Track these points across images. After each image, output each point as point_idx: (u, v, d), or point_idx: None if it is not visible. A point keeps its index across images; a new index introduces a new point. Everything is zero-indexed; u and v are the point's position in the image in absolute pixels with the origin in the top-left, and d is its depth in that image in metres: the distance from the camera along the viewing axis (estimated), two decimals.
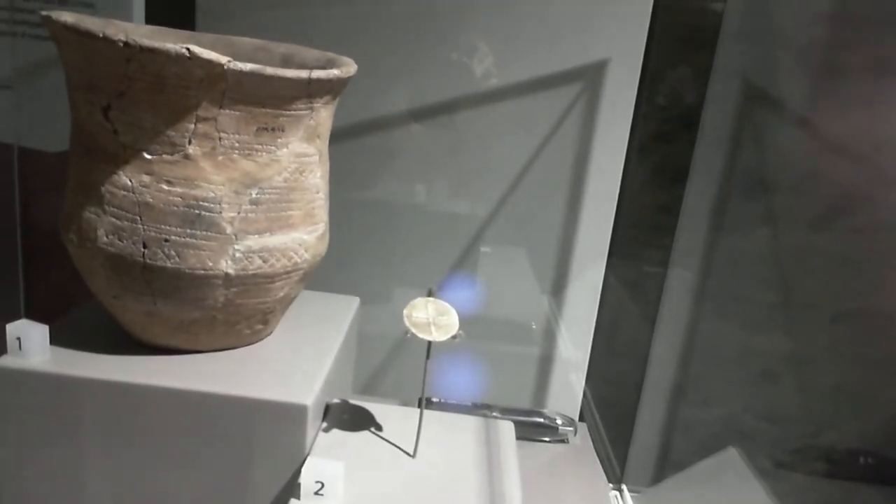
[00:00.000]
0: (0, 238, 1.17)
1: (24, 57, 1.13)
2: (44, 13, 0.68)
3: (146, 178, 0.68)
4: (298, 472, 0.66)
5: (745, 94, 1.15)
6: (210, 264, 0.70)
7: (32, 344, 0.72)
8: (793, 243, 1.18)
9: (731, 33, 1.13)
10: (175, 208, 0.68)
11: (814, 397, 1.19)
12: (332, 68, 0.74)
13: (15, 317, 0.74)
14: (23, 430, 0.72)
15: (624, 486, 1.21)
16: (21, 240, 1.17)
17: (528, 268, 1.23)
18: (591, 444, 1.15)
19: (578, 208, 1.20)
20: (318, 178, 0.77)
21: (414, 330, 0.69)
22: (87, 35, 0.64)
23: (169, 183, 0.68)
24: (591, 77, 1.15)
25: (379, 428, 0.79)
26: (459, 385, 1.19)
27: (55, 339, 0.74)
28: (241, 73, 0.65)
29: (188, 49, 0.63)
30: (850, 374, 1.17)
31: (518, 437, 0.85)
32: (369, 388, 1.27)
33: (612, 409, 1.28)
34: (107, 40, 0.63)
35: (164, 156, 0.67)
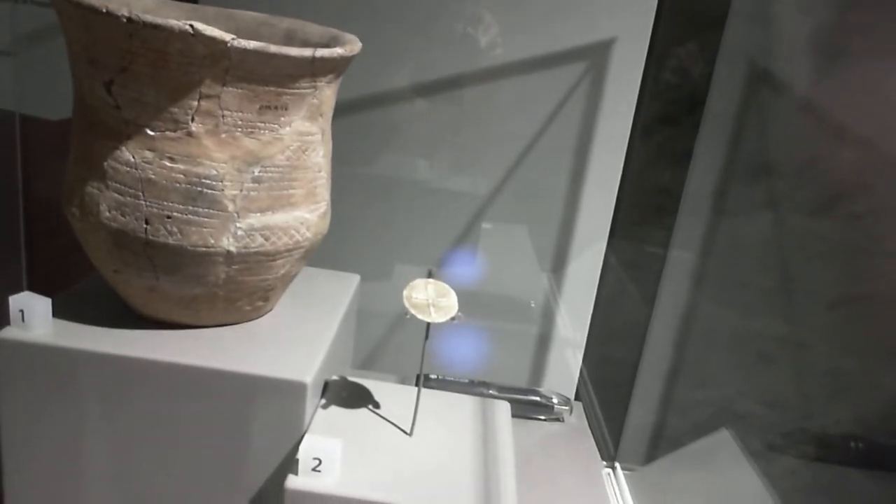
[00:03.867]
0: (2, 208, 1.17)
1: (25, 24, 1.12)
2: None
3: (149, 155, 0.68)
4: (296, 448, 0.67)
5: (751, 77, 1.14)
6: (212, 241, 0.70)
7: (35, 316, 0.72)
8: (793, 228, 1.18)
9: (738, 14, 1.11)
10: (177, 185, 0.68)
11: (809, 382, 1.20)
12: (335, 46, 0.74)
13: (18, 289, 0.75)
14: (25, 401, 0.73)
15: (617, 465, 1.23)
16: (24, 209, 1.17)
17: (529, 246, 1.24)
18: (586, 422, 1.17)
19: (581, 187, 1.19)
20: (320, 157, 0.77)
21: (413, 311, 0.70)
22: (90, 9, 0.64)
23: (171, 160, 0.68)
24: (596, 56, 1.14)
25: (377, 406, 0.80)
26: (457, 361, 1.20)
27: (58, 312, 0.75)
28: (244, 50, 0.65)
29: (192, 26, 0.63)
30: (845, 360, 1.18)
31: (514, 415, 0.87)
32: (368, 363, 1.28)
33: (607, 389, 1.29)
34: (109, 15, 0.63)
35: (167, 132, 0.67)
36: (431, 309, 0.70)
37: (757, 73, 1.13)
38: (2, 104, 1.15)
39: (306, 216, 0.76)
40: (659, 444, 1.26)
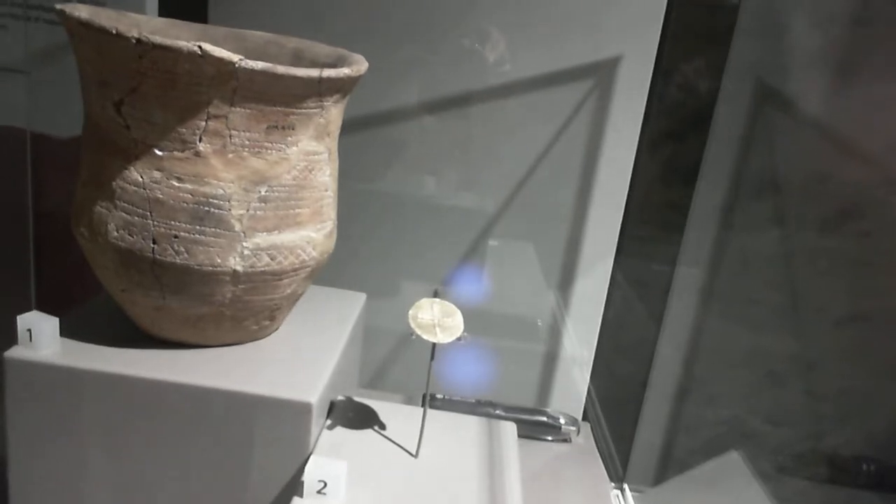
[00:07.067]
0: (12, 226, 1.17)
1: (38, 42, 1.13)
2: (58, 7, 0.68)
3: (157, 175, 0.68)
4: (302, 469, 0.67)
5: (758, 94, 1.14)
6: (219, 261, 0.70)
7: (43, 336, 0.72)
8: (801, 245, 1.17)
9: (745, 31, 1.12)
10: (185, 205, 0.68)
11: (819, 401, 1.19)
12: (342, 65, 0.74)
13: (26, 308, 0.75)
14: (32, 420, 0.73)
15: (626, 486, 1.22)
16: (33, 227, 1.18)
17: (536, 263, 1.23)
18: (593, 443, 1.16)
19: (587, 205, 1.19)
20: (326, 176, 0.77)
21: (419, 331, 0.70)
22: (101, 31, 0.64)
23: (179, 179, 0.68)
24: (603, 73, 1.14)
25: (382, 427, 0.80)
26: (464, 381, 1.19)
27: (65, 331, 0.75)
28: (252, 71, 0.65)
29: (200, 47, 0.63)
30: (855, 378, 1.17)
31: (521, 436, 0.86)
32: (375, 382, 1.27)
33: (615, 408, 1.28)
34: (120, 37, 0.63)
35: (175, 152, 0.68)
36: (437, 329, 0.70)
37: (763, 89, 1.13)
38: (13, 121, 1.15)
39: (313, 235, 0.76)
40: (668, 465, 1.25)
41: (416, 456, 0.75)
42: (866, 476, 1.10)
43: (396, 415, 0.82)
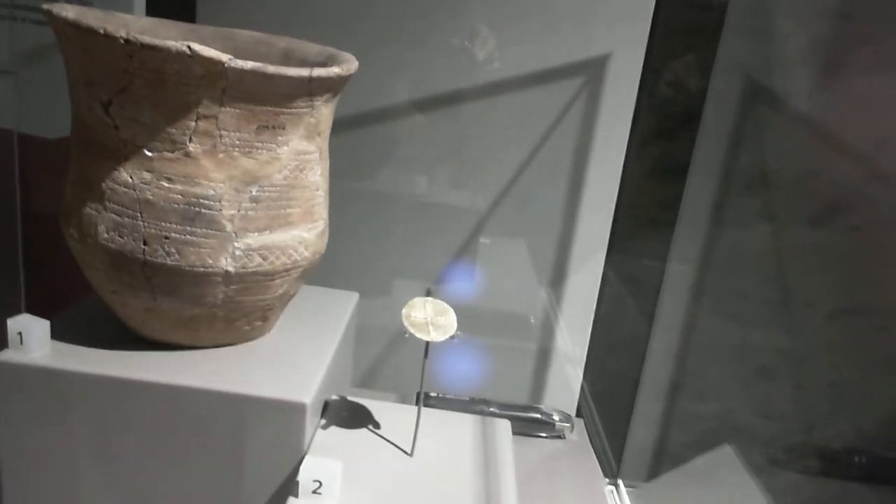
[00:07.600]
0: (1, 228, 1.16)
1: (24, 42, 1.12)
2: (45, 7, 0.67)
3: (147, 175, 0.68)
4: (296, 470, 0.67)
5: (747, 90, 1.14)
6: (210, 262, 0.70)
7: (33, 339, 0.72)
8: (792, 240, 1.18)
9: (733, 28, 1.12)
10: (175, 205, 0.68)
11: (810, 395, 1.19)
12: (332, 64, 0.74)
13: (16, 310, 0.75)
14: (24, 423, 0.72)
15: (620, 481, 1.22)
16: (21, 229, 1.17)
17: (528, 260, 1.23)
18: (587, 439, 1.16)
19: (578, 202, 1.20)
20: (318, 176, 0.77)
21: (412, 330, 0.70)
22: (89, 31, 0.64)
23: (169, 180, 0.68)
24: (592, 71, 1.14)
25: (377, 426, 0.80)
26: (458, 379, 1.19)
27: (56, 334, 0.74)
28: (241, 70, 0.65)
29: (189, 47, 0.63)
30: (846, 372, 1.18)
31: (515, 433, 0.86)
32: (368, 381, 1.27)
33: (608, 404, 1.29)
34: (107, 37, 0.63)
35: (165, 153, 0.67)
36: (430, 328, 0.70)
37: (752, 86, 1.14)
38: (0, 122, 1.15)
39: (304, 235, 0.76)
40: (662, 460, 1.25)
41: (411, 454, 0.75)
42: (858, 468, 1.10)
43: (391, 414, 0.82)
